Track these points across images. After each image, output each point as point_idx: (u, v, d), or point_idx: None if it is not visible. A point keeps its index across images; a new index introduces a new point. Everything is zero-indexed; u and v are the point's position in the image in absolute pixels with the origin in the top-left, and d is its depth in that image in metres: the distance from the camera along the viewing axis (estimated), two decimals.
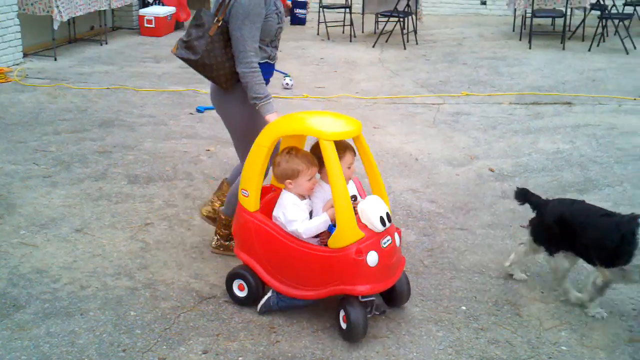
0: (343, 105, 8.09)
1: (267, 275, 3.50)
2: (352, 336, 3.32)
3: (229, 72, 3.77)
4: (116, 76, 9.08)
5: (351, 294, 3.28)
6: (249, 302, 3.58)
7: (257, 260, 3.53)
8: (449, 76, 9.55)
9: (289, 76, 8.87)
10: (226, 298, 3.71)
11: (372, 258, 3.24)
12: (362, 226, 3.30)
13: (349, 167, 3.52)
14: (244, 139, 3.92)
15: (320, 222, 3.38)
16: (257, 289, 3.56)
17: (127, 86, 8.51)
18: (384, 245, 3.32)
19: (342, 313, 3.34)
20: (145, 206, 4.89)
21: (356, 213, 3.33)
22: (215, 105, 4.05)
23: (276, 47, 3.97)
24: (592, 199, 5.37)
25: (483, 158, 6.38)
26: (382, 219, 3.30)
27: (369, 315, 3.37)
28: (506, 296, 3.89)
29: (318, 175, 3.55)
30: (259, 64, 3.76)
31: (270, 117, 3.67)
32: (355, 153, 3.56)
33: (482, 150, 6.62)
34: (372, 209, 3.31)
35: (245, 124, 3.92)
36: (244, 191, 3.53)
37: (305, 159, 3.41)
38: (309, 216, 3.47)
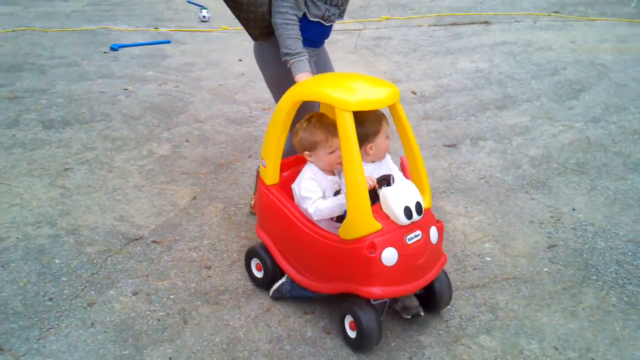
0: None
1: (281, 258, 3.10)
2: (363, 346, 2.80)
3: (260, 17, 3.28)
4: (21, 17, 8.61)
5: (360, 295, 2.76)
6: (265, 284, 3.21)
7: (273, 239, 3.15)
8: (369, 1, 9.46)
9: (205, 8, 8.60)
10: (154, 238, 3.66)
11: (389, 255, 2.67)
12: (383, 216, 2.72)
13: (387, 137, 2.98)
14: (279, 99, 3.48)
15: (335, 205, 2.85)
16: (274, 271, 3.15)
17: (35, 27, 8.07)
18: (409, 242, 2.72)
19: (348, 319, 2.83)
20: (63, 151, 4.71)
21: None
22: (254, 55, 3.57)
23: (337, 7, 3.38)
24: (511, 114, 5.51)
25: (405, 81, 6.40)
26: (407, 209, 2.69)
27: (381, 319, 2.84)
28: None
29: None
30: (310, 21, 3.28)
31: (300, 76, 3.16)
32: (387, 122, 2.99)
33: (403, 73, 6.65)
34: (396, 197, 2.71)
35: (280, 82, 3.35)
36: (263, 161, 3.09)
37: (326, 129, 2.90)
38: (331, 195, 2.96)
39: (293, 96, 2.89)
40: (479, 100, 5.89)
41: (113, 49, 7.21)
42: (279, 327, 3.00)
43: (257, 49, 3.51)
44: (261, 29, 3.32)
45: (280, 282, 3.14)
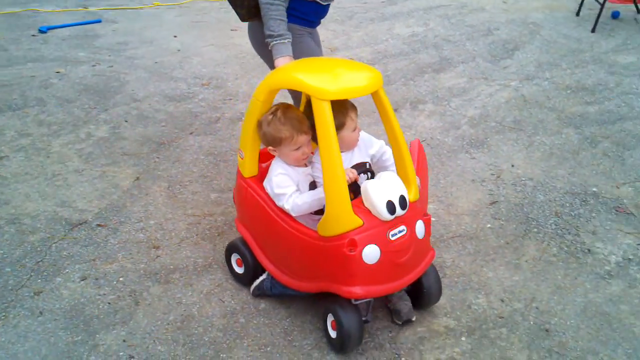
0: (195, 11, 7.80)
1: (261, 254, 2.95)
2: (343, 347, 2.66)
3: None
4: None
5: (340, 295, 2.60)
6: (247, 280, 3.06)
7: (252, 234, 2.99)
8: None
9: None
10: (99, 222, 3.60)
11: (370, 253, 2.50)
12: (365, 211, 2.55)
13: (355, 130, 2.78)
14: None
15: (314, 199, 2.65)
16: (255, 266, 3.00)
17: None
18: (393, 238, 2.55)
19: (330, 317, 2.69)
20: None
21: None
22: (248, 37, 3.45)
23: None
24: (449, 76, 5.59)
25: (342, 49, 6.40)
26: (390, 204, 2.51)
27: (363, 319, 2.69)
28: None
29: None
30: (305, 1, 3.17)
31: (279, 61, 3.02)
32: (356, 110, 2.81)
33: (340, 41, 6.64)
34: (378, 191, 2.53)
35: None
36: (240, 152, 2.93)
37: (291, 124, 2.68)
38: (306, 187, 2.78)
39: (269, 84, 2.71)
40: (417, 64, 5.95)
41: (41, 31, 6.97)
42: (233, 301, 3.01)
43: (249, 30, 3.39)
44: (248, 9, 3.19)
45: (260, 279, 3.00)
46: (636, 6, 7.05)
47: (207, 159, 4.28)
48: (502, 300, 2.99)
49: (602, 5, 6.65)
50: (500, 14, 7.36)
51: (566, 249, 3.33)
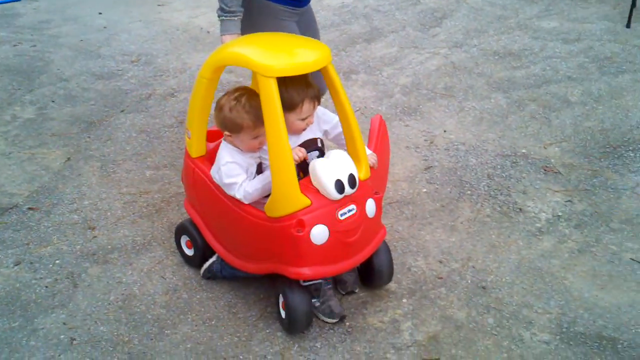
0: None
1: (210, 235, 2.89)
2: (291, 328, 2.66)
3: None
4: None
5: (288, 277, 2.56)
6: (196, 262, 3.01)
7: (201, 215, 2.92)
8: None
9: None
10: (30, 205, 3.50)
11: (318, 233, 2.45)
12: (313, 191, 2.49)
13: (304, 119, 2.66)
14: None
15: (265, 184, 2.55)
16: (204, 248, 2.94)
17: None
18: (342, 217, 2.50)
19: (280, 299, 2.66)
20: None
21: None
22: None
23: None
24: (380, 46, 5.63)
25: None
26: (339, 183, 2.44)
27: (314, 301, 2.71)
28: None
29: None
30: None
31: (226, 37, 2.93)
32: (317, 102, 2.69)
33: None
34: (327, 169, 2.46)
35: None
36: (188, 131, 2.83)
37: (255, 114, 2.55)
38: (253, 173, 2.69)
39: (214, 61, 2.61)
40: (348, 35, 5.96)
41: None
42: (174, 278, 2.99)
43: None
44: None
45: (210, 261, 2.94)
46: None
47: (140, 137, 4.21)
48: (440, 262, 3.07)
49: None
50: None
51: (499, 209, 3.44)
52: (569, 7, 6.42)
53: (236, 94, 2.63)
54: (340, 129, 2.74)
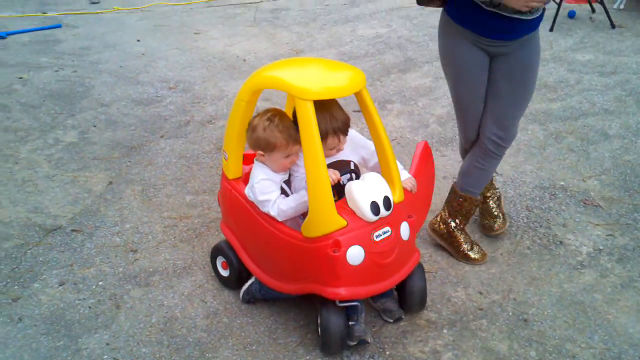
0: (157, 15, 7.75)
1: (246, 256, 2.91)
2: (324, 347, 2.67)
3: None
4: None
5: (325, 297, 2.58)
6: (232, 284, 3.05)
7: (237, 236, 2.96)
8: None
9: None
10: (74, 227, 3.56)
11: (354, 254, 2.48)
12: (349, 212, 2.53)
13: (331, 149, 2.71)
14: (452, 94, 3.14)
15: (299, 203, 2.61)
16: (240, 269, 2.97)
17: None
18: (377, 239, 2.53)
19: (318, 319, 2.66)
20: None
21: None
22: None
23: None
24: (414, 76, 5.67)
25: (308, 51, 6.44)
26: (374, 204, 2.49)
27: (352, 323, 2.66)
28: None
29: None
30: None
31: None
32: (343, 135, 2.71)
33: (305, 43, 6.68)
34: (362, 191, 2.50)
35: (447, 68, 3.11)
36: (225, 154, 2.89)
37: (288, 133, 2.64)
38: (287, 191, 2.75)
39: (252, 85, 2.68)
40: (382, 65, 6.02)
41: (1, 37, 6.83)
42: (215, 302, 3.01)
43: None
44: None
45: (248, 283, 2.96)
46: (591, 6, 7.26)
47: (180, 162, 4.27)
48: (481, 293, 3.06)
49: (559, 5, 6.84)
50: None
51: (539, 241, 3.42)
52: (604, 39, 6.42)
53: (268, 115, 2.71)
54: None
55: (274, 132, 2.64)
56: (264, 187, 2.66)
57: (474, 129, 3.16)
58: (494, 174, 3.42)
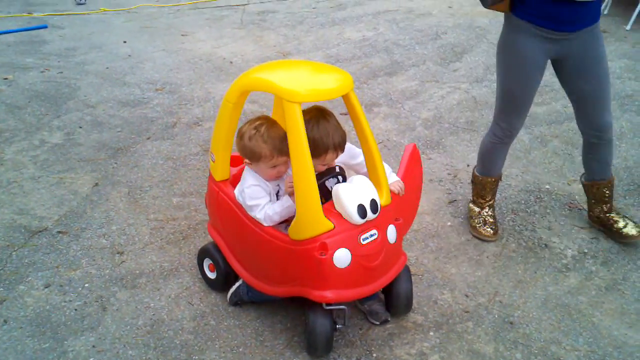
0: (144, 16, 7.72)
1: (233, 258, 2.91)
2: (311, 350, 2.68)
3: None
4: None
5: (311, 299, 2.59)
6: (219, 286, 3.05)
7: (224, 238, 2.96)
8: None
9: None
10: (60, 229, 3.54)
11: (341, 257, 2.49)
12: (336, 215, 2.54)
13: (323, 164, 2.71)
14: (502, 85, 3.22)
15: (284, 208, 2.63)
16: (227, 271, 2.97)
17: None
18: (364, 242, 2.54)
19: (306, 320, 2.69)
20: None
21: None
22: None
23: None
24: (401, 79, 5.69)
25: (295, 53, 6.45)
26: (361, 207, 2.49)
27: (339, 327, 2.73)
28: None
29: None
30: None
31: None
32: (341, 151, 2.74)
33: (292, 46, 6.69)
34: (349, 194, 2.51)
35: (500, 64, 3.20)
36: (212, 155, 2.88)
37: (273, 144, 2.63)
38: (274, 197, 2.76)
39: (240, 86, 2.68)
40: (369, 68, 6.04)
41: None
42: (202, 304, 3.01)
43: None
44: None
45: (236, 285, 2.95)
46: None
47: (167, 164, 4.26)
48: (467, 296, 3.08)
49: None
50: (447, 18, 7.53)
51: (524, 244, 3.44)
52: None
53: (257, 123, 2.70)
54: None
55: (259, 143, 2.64)
56: (254, 192, 2.67)
57: (521, 119, 3.31)
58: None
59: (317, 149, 2.60)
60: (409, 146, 3.00)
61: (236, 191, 2.78)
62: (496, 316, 2.94)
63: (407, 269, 2.85)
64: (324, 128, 2.62)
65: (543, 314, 2.95)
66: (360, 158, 2.81)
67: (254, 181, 2.70)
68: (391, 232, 2.65)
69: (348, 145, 2.85)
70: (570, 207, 3.76)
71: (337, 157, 2.74)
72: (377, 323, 2.87)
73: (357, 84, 5.60)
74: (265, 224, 2.64)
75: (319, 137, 2.61)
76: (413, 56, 6.33)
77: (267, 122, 2.71)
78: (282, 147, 2.62)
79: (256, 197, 2.67)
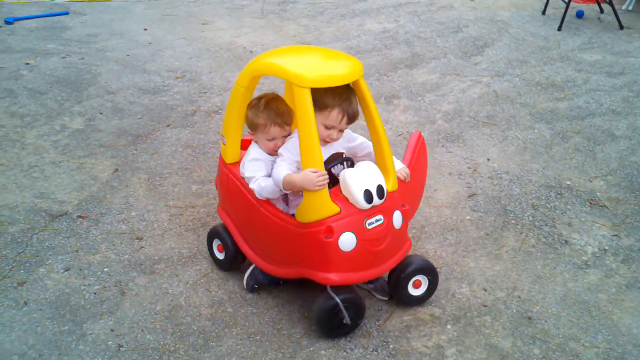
0: (165, 4, 7.73)
1: (241, 239, 2.95)
2: (315, 328, 2.76)
3: None
4: None
5: (316, 281, 2.64)
6: (227, 266, 3.09)
7: (233, 220, 2.99)
8: None
9: None
10: (80, 213, 3.56)
11: (346, 240, 2.54)
12: (342, 199, 2.58)
13: (329, 128, 2.71)
14: None
15: (271, 185, 2.68)
16: (235, 252, 3.01)
17: None
18: (369, 227, 2.59)
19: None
20: None
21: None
22: None
23: None
24: (421, 72, 5.66)
25: (315, 44, 6.43)
26: (368, 193, 2.54)
27: (345, 322, 2.69)
28: None
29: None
30: None
31: None
32: (347, 121, 2.71)
33: (313, 36, 6.67)
34: (356, 179, 2.55)
35: None
36: (223, 138, 2.93)
37: (267, 114, 2.75)
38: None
39: (251, 71, 2.73)
40: (389, 60, 6.01)
41: (8, 22, 6.83)
42: (220, 291, 3.02)
43: None
44: None
45: (250, 270, 2.99)
46: (599, 6, 7.24)
47: (186, 152, 4.27)
48: (485, 290, 3.06)
49: (568, 4, 6.81)
50: (468, 11, 7.48)
51: (544, 240, 3.42)
52: (612, 40, 6.41)
53: (260, 96, 2.84)
54: (368, 150, 2.87)
55: (257, 113, 2.78)
56: (253, 165, 2.78)
57: None
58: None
59: (325, 103, 2.62)
60: (415, 134, 3.03)
61: (240, 164, 2.88)
62: (514, 311, 2.93)
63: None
64: (346, 93, 2.64)
65: (562, 310, 2.93)
66: (359, 140, 2.90)
67: (255, 155, 2.81)
68: (397, 218, 2.71)
69: (346, 131, 2.88)
70: (591, 203, 3.73)
71: (341, 125, 2.70)
72: (385, 298, 2.94)
73: (377, 76, 5.59)
74: (258, 196, 2.72)
75: (329, 96, 2.62)
76: (434, 49, 6.29)
77: (269, 96, 2.84)
78: (276, 118, 2.75)
79: (254, 170, 2.76)
